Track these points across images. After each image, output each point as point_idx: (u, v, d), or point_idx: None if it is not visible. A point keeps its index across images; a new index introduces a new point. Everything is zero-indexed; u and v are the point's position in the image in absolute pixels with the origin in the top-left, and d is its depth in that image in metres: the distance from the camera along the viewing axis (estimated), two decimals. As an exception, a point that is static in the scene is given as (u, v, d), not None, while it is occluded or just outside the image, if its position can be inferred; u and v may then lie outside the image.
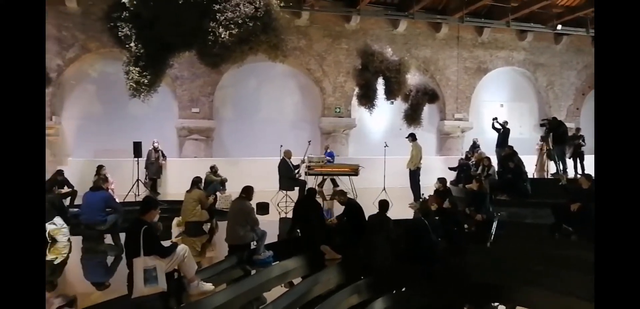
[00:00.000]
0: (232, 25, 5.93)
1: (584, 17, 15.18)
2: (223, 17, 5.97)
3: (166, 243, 4.91)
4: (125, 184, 10.45)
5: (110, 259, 6.50)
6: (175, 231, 7.64)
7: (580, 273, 6.08)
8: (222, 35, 5.90)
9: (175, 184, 11.46)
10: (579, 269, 6.18)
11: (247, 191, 6.45)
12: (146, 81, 6.34)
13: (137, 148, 10.87)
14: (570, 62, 17.28)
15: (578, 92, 17.46)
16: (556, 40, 16.83)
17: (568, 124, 12.54)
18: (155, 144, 11.62)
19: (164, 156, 11.88)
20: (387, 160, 11.00)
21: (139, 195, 10.32)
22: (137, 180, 10.72)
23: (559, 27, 15.20)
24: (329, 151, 13.35)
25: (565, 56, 17.19)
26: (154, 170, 11.54)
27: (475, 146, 13.47)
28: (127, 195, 10.14)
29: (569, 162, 11.45)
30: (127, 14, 6.69)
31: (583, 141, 11.80)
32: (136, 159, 10.83)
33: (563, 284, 5.89)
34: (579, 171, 11.26)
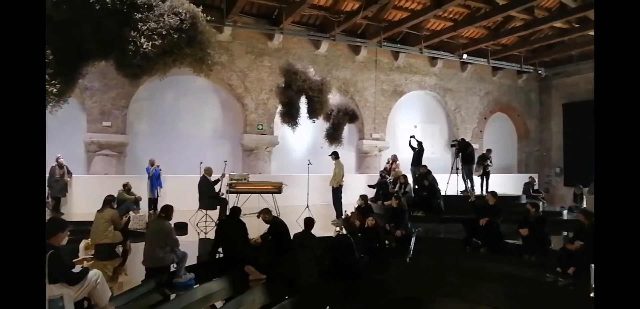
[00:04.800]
0: (156, 36, 5.65)
1: (485, 48, 16.75)
2: (146, 27, 5.66)
3: (76, 269, 4.48)
4: (23, 203, 9.38)
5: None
6: (82, 254, 6.99)
7: (489, 283, 6.62)
8: (144, 46, 5.59)
9: (82, 204, 10.57)
10: (488, 279, 6.72)
11: (167, 210, 6.16)
12: (55, 90, 5.76)
13: (37, 164, 9.84)
14: (474, 89, 18.91)
15: (481, 116, 19.11)
16: (462, 68, 18.33)
17: (473, 145, 13.61)
18: (60, 160, 10.63)
19: (69, 172, 10.90)
20: (310, 178, 11.08)
21: (39, 216, 9.32)
22: (37, 199, 9.69)
23: (465, 56, 16.61)
24: (155, 166, 11.61)
25: (470, 83, 18.78)
26: (59, 188, 10.52)
27: (394, 160, 13.91)
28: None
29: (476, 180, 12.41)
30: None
31: (490, 162, 12.83)
32: (36, 175, 9.79)
33: (474, 293, 6.34)
34: (485, 188, 12.24)
